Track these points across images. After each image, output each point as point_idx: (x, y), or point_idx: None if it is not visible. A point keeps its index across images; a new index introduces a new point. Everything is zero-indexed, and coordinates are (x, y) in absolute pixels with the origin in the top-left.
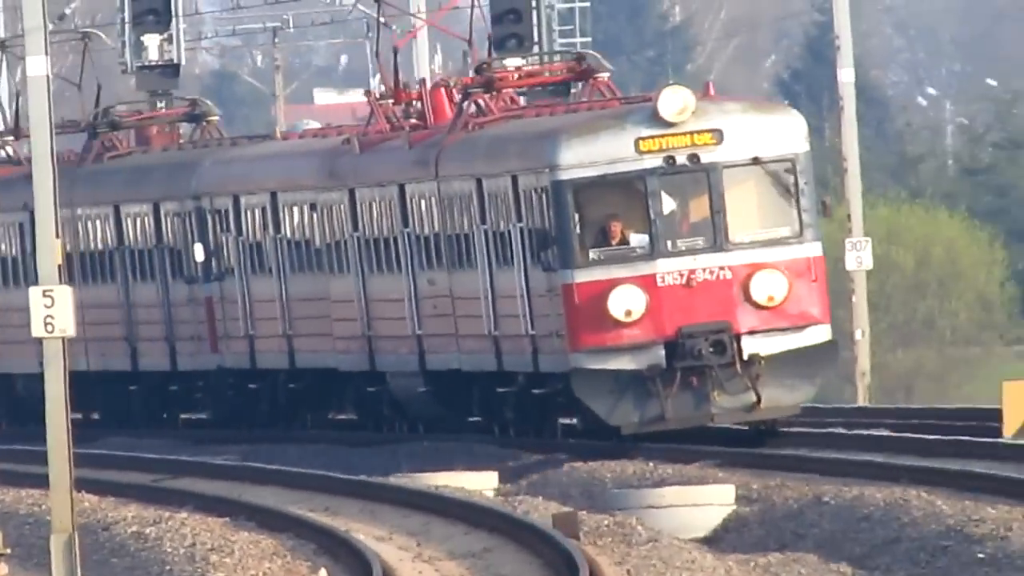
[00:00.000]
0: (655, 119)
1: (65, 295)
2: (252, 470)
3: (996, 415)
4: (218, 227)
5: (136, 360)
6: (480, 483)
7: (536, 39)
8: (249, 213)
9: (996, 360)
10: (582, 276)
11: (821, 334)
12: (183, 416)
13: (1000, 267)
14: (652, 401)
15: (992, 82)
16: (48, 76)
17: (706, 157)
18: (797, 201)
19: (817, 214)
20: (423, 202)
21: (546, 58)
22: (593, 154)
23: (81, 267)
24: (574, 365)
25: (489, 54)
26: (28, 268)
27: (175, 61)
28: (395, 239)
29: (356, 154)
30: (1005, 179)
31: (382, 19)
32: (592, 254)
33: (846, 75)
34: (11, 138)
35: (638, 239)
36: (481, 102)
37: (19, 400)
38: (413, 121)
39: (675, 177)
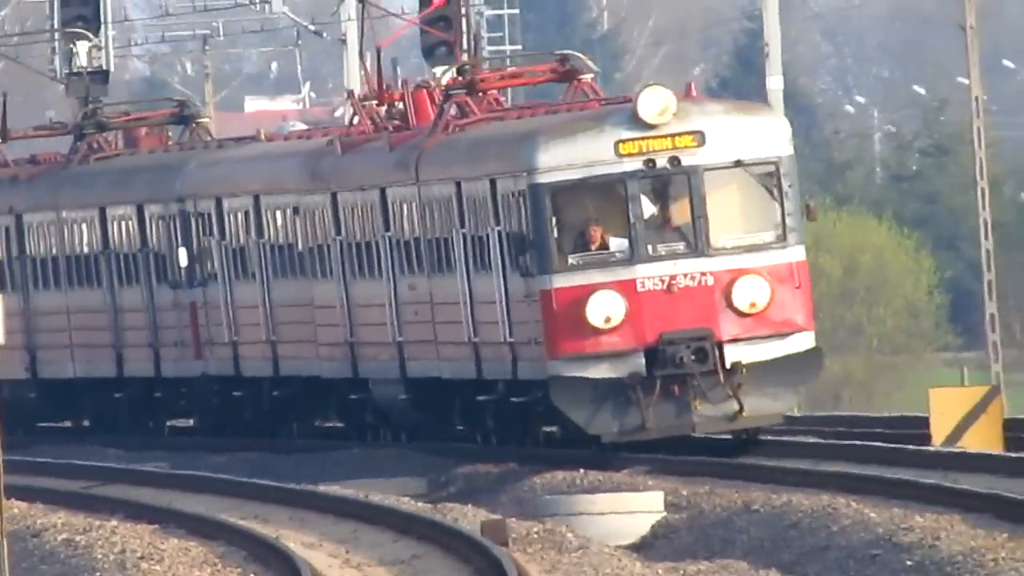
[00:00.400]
0: (635, 121)
1: None
2: (181, 478)
3: (924, 423)
4: (201, 231)
5: (121, 366)
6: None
7: (465, 47)
8: (232, 216)
9: (924, 367)
10: (560, 281)
11: (805, 341)
12: (169, 423)
13: (927, 274)
14: (632, 410)
15: (920, 89)
16: None
17: (687, 160)
18: (781, 205)
19: (801, 218)
20: (404, 206)
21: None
22: (571, 157)
23: (67, 271)
24: (552, 373)
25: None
26: (14, 273)
27: (104, 68)
28: (376, 243)
29: (338, 156)
30: (932, 186)
31: (311, 27)
32: (570, 259)
33: (774, 82)
34: None
35: (617, 244)
36: (463, 104)
37: (6, 406)
38: (396, 122)
39: (655, 180)
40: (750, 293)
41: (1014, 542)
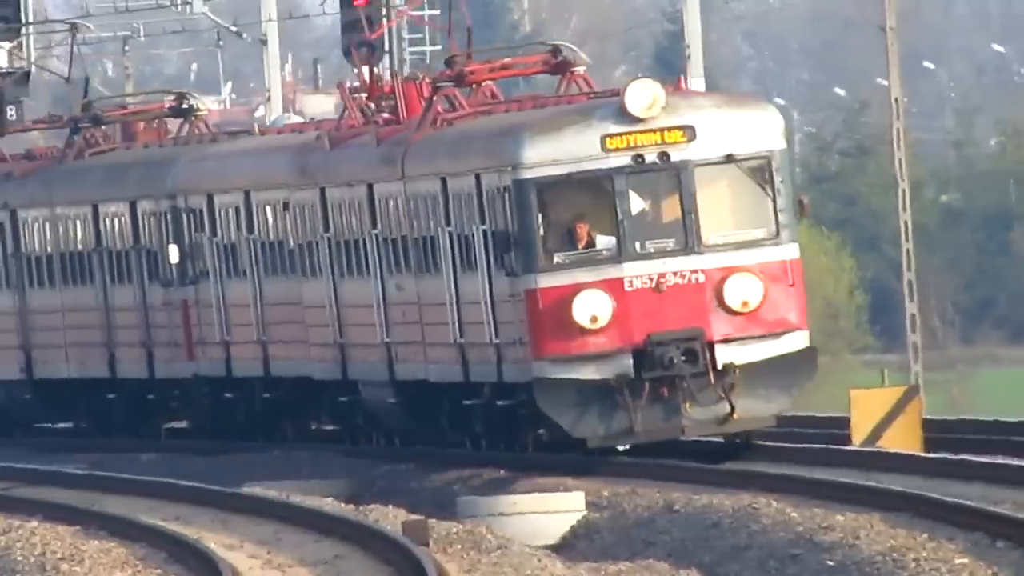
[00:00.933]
0: (623, 115)
1: None
2: (103, 479)
3: (844, 423)
4: (193, 227)
5: (114, 367)
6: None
7: (387, 48)
8: (223, 213)
9: (843, 368)
10: (545, 280)
11: (799, 341)
12: (165, 426)
13: (848, 275)
14: (620, 413)
15: (840, 91)
16: None
17: (677, 155)
18: (773, 201)
19: (794, 214)
20: (391, 202)
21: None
22: (557, 152)
23: (61, 269)
24: (537, 375)
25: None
26: (10, 269)
27: (25, 69)
28: (364, 241)
29: (327, 151)
30: (853, 187)
31: (232, 27)
32: (556, 257)
33: (696, 84)
34: None
35: (605, 241)
36: (452, 97)
37: (1, 408)
38: (386, 116)
39: (644, 176)
40: (742, 291)
41: (934, 542)
